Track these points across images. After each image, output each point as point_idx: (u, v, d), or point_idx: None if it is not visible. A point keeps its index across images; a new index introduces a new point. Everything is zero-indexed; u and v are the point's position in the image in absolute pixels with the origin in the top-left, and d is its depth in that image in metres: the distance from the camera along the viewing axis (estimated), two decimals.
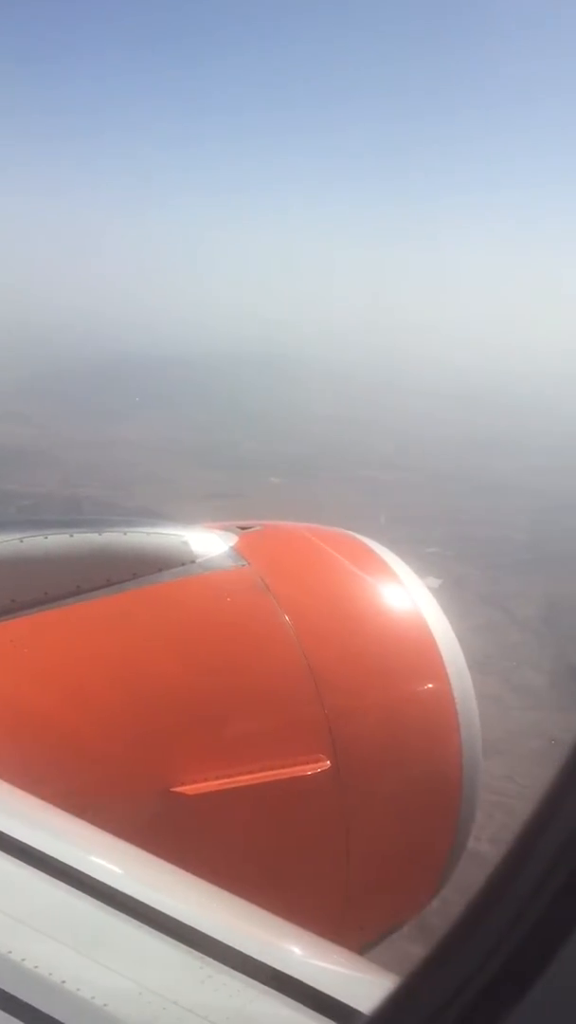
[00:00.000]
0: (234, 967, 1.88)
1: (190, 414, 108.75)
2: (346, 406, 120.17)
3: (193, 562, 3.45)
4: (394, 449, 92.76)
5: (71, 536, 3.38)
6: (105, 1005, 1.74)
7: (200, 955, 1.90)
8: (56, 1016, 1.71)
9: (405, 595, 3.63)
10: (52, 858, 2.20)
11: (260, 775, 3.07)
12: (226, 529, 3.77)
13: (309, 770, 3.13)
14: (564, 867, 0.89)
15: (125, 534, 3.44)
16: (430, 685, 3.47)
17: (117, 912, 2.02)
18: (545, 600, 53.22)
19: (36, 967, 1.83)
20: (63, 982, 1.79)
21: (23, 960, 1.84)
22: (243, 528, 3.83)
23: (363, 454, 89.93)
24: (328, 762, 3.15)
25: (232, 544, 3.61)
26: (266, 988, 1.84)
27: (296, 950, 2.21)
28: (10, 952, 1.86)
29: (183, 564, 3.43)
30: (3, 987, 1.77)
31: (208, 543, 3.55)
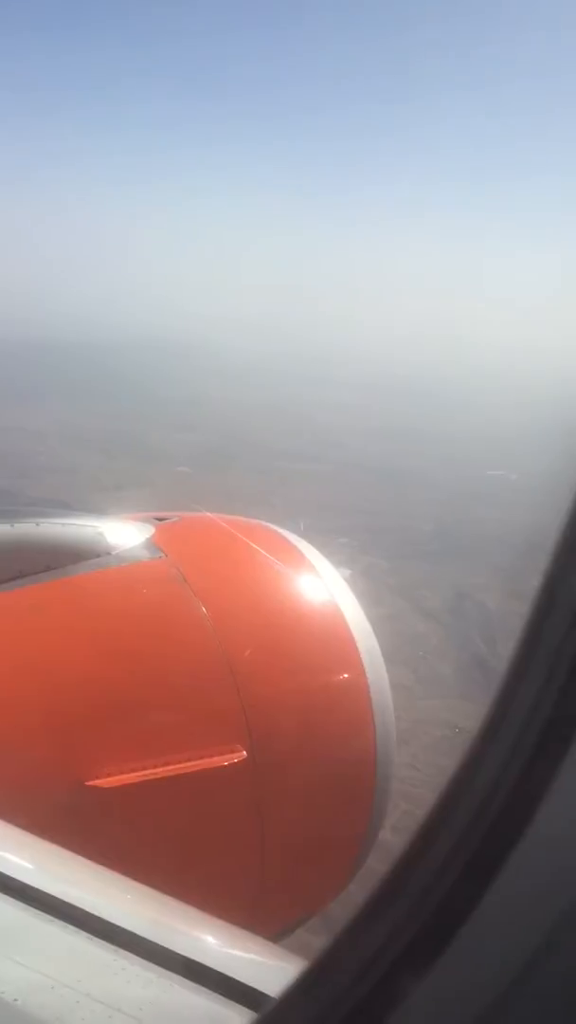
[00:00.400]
0: (148, 958, 1.88)
1: (99, 402, 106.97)
2: (258, 396, 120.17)
3: (109, 553, 3.42)
4: (305, 440, 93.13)
5: None
6: (15, 1000, 1.72)
7: (114, 947, 1.90)
8: None
9: (322, 586, 3.65)
10: None
11: (177, 767, 3.06)
12: (143, 520, 3.75)
13: (225, 761, 3.12)
14: (464, 854, 0.90)
15: (38, 525, 3.39)
16: (346, 675, 3.49)
17: (28, 907, 2.00)
18: (451, 590, 54.23)
19: None
20: None
21: None
22: (160, 519, 3.81)
23: (274, 444, 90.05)
24: (244, 752, 3.15)
25: (149, 535, 3.59)
26: (179, 977, 1.85)
27: (210, 939, 2.22)
28: None
29: (98, 556, 3.40)
30: None
31: (124, 534, 3.54)
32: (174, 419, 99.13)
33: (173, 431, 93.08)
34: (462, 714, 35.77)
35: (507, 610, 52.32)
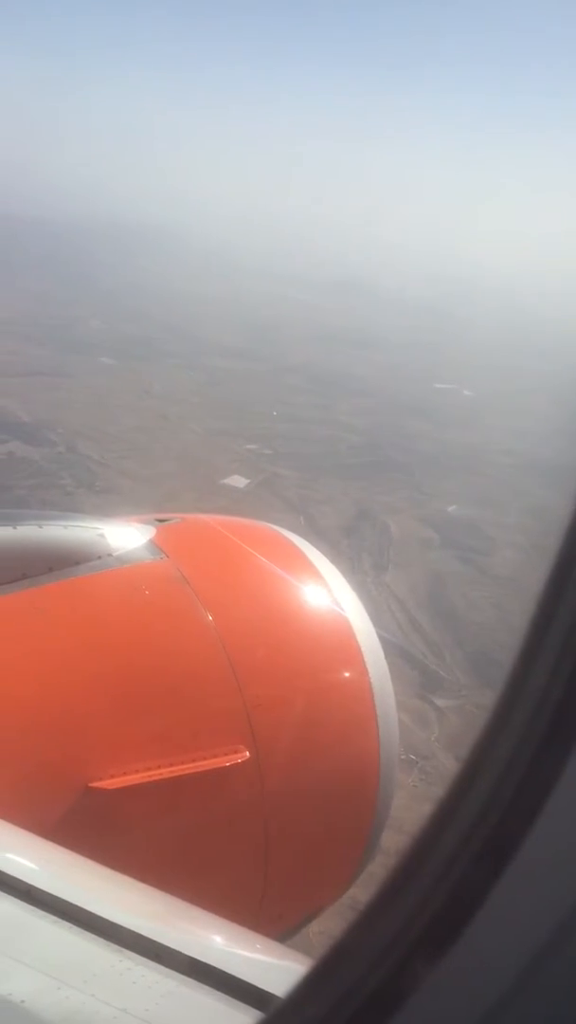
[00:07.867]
0: (153, 958, 1.92)
1: (33, 284, 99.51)
2: (212, 289, 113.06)
3: (111, 555, 3.45)
4: (245, 337, 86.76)
5: None
6: (23, 1002, 1.75)
7: (119, 948, 1.93)
8: None
9: (323, 588, 3.70)
10: None
11: (180, 767, 3.08)
12: (143, 522, 3.81)
13: (229, 761, 3.16)
14: (476, 841, 0.89)
15: (41, 527, 3.41)
16: (348, 674, 3.57)
17: (34, 908, 2.04)
18: (355, 508, 49.34)
19: None
20: None
21: None
22: (160, 521, 3.88)
23: (213, 339, 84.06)
24: (248, 752, 3.20)
25: (150, 537, 3.63)
26: (184, 977, 1.88)
27: (215, 939, 2.27)
28: None
29: (100, 557, 3.43)
30: None
31: (125, 536, 3.58)
32: (116, 307, 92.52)
33: (108, 320, 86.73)
34: None
35: (410, 535, 47.65)
